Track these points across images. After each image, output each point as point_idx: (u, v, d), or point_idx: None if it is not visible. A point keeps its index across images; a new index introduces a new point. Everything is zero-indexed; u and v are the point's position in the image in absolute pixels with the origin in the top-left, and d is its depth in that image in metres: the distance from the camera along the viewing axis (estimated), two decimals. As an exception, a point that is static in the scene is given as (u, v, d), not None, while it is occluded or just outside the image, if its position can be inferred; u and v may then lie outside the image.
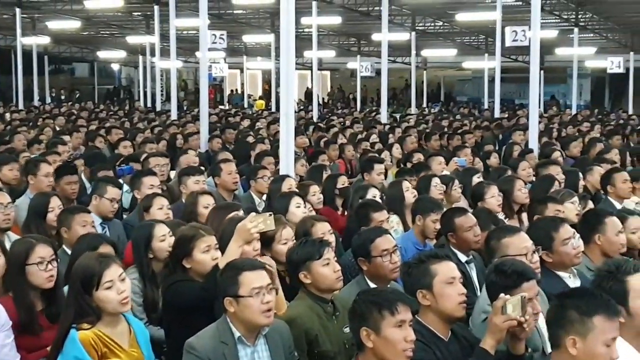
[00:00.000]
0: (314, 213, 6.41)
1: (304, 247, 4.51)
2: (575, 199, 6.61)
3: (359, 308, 3.60)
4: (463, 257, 5.47)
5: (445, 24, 33.73)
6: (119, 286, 3.90)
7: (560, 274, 4.82)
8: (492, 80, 23.22)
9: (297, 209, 6.18)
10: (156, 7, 23.20)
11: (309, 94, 41.26)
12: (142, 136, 13.16)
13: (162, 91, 29.80)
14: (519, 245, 4.59)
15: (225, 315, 3.91)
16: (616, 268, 3.78)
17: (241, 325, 3.87)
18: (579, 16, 28.48)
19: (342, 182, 7.72)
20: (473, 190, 7.26)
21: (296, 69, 8.95)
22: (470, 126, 18.20)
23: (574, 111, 28.35)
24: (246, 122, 18.89)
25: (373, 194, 6.95)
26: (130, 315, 4.17)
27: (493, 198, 6.85)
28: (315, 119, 22.91)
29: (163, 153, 10.17)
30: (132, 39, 35.92)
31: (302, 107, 33.81)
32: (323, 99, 43.34)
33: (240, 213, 5.36)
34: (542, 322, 3.91)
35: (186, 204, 6.52)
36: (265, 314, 3.84)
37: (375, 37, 30.86)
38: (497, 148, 13.52)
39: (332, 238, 5.27)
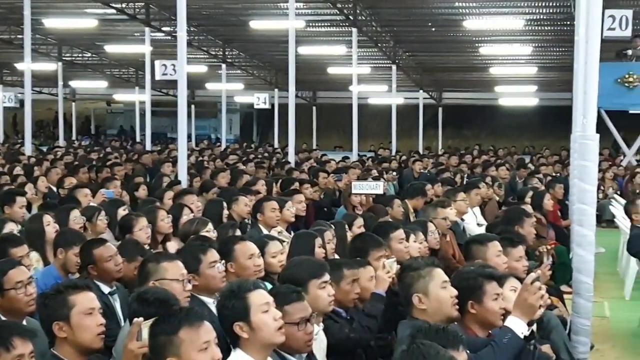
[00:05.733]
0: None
1: None
2: (210, 226, 6.75)
3: None
4: (106, 289, 5.33)
5: (94, 55, 33.19)
6: None
7: (205, 299, 4.87)
8: (143, 114, 23.26)
9: None
10: None
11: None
12: None
13: None
14: (177, 271, 4.65)
15: None
16: (237, 287, 3.88)
17: None
18: (227, 53, 29.54)
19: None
20: (121, 222, 7.15)
21: None
22: (121, 159, 18.09)
23: (223, 145, 29.30)
24: None
25: (11, 228, 6.56)
26: None
27: (142, 230, 6.81)
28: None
29: None
30: None
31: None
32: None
33: None
34: None
35: None
36: None
37: (18, 66, 29.53)
38: (148, 180, 13.57)
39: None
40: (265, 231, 7.85)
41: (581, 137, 6.35)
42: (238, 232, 7.14)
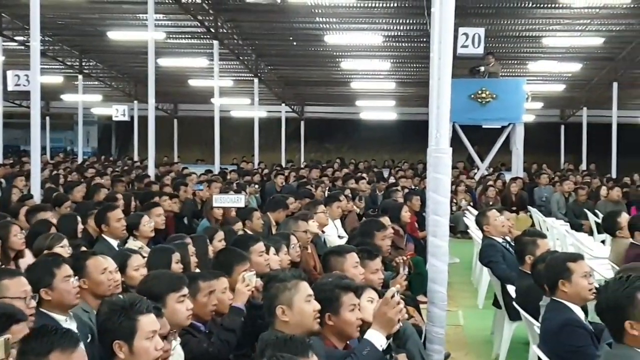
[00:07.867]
0: None
1: None
2: (65, 241, 6.56)
3: None
4: (-50, 309, 5.06)
5: (-57, 64, 31.62)
6: None
7: (56, 316, 4.71)
8: (-6, 125, 22.31)
9: None
10: None
11: None
12: None
13: None
14: (19, 288, 4.45)
15: None
16: (130, 304, 3.77)
17: None
18: (83, 64, 28.78)
19: None
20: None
21: None
22: (-30, 172, 17.34)
23: (80, 158, 28.52)
24: None
25: None
26: None
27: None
28: None
29: None
30: None
31: None
32: None
33: None
34: None
35: None
36: None
37: None
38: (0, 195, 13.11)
39: None
40: (112, 243, 7.70)
41: (435, 151, 6.52)
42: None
